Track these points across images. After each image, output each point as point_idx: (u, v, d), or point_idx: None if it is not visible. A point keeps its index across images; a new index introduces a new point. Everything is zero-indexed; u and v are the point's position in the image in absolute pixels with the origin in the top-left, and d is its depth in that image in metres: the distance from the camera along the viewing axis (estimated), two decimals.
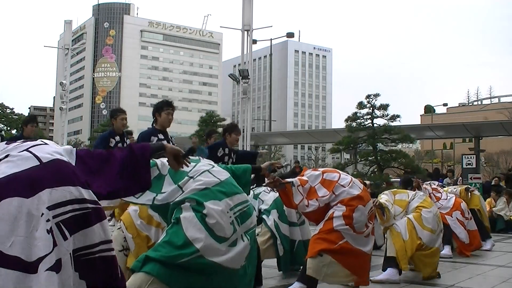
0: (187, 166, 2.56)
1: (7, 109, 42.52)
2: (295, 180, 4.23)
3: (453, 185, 16.94)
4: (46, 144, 1.98)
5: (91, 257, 1.87)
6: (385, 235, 5.49)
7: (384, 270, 5.24)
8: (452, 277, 5.39)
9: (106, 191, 2.08)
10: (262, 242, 4.87)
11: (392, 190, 5.94)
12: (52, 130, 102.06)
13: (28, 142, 1.96)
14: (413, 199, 5.55)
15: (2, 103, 42.26)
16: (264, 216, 4.99)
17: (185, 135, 44.33)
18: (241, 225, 2.89)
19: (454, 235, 7.15)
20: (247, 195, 3.95)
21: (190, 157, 3.12)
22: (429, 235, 5.28)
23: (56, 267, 1.74)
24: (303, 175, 4.42)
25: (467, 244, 7.18)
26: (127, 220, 4.13)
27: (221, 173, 3.03)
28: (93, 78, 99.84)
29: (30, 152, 1.88)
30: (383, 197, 5.45)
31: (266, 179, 4.00)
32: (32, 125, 7.20)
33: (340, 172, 4.51)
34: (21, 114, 44.02)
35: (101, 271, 1.91)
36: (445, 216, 7.07)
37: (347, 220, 4.16)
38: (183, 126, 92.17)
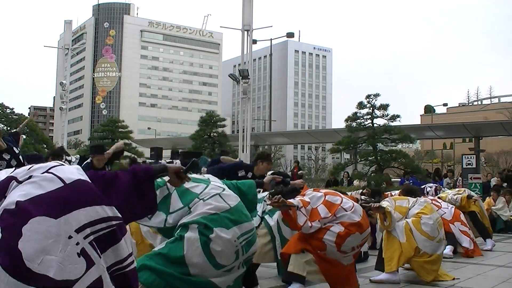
0: (188, 181, 2.55)
1: (7, 109, 42.47)
2: (298, 202, 4.22)
3: (453, 185, 16.99)
4: (62, 165, 2.00)
5: (123, 271, 1.93)
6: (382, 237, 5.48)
7: (376, 269, 5.25)
8: None
9: None
10: (262, 245, 4.80)
11: (393, 197, 5.90)
12: (52, 130, 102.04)
13: (47, 163, 1.97)
14: (414, 206, 5.50)
15: (2, 103, 42.20)
16: (266, 217, 4.95)
17: (185, 135, 44.35)
18: (245, 254, 2.91)
19: (458, 242, 7.18)
20: (255, 209, 4.00)
21: (199, 177, 3.14)
22: (425, 240, 5.20)
23: (98, 285, 1.77)
24: (304, 195, 4.42)
25: (471, 250, 7.18)
26: (134, 226, 4.11)
27: (231, 198, 3.01)
28: (93, 78, 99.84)
29: (52, 173, 1.89)
30: (385, 204, 5.41)
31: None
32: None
33: (342, 196, 4.51)
34: (21, 114, 44.00)
35: (131, 283, 1.97)
36: (449, 224, 7.11)
37: (339, 239, 4.19)
38: (183, 126, 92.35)
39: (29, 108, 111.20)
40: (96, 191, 1.93)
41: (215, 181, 3.12)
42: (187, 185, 2.91)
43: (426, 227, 5.24)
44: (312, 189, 4.65)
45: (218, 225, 2.80)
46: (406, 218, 5.40)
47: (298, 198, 4.33)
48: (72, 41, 36.12)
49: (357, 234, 4.25)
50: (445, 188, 8.84)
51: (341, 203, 4.35)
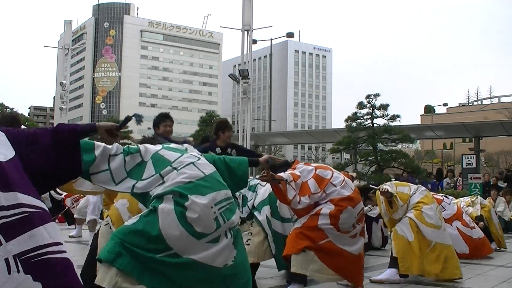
0: (119, 137, 2.47)
1: (7, 109, 42.51)
2: (288, 175, 4.14)
3: (453, 185, 17.00)
4: None
5: (42, 258, 1.87)
6: (390, 237, 5.46)
7: (390, 267, 5.19)
8: None
9: (38, 177, 2.05)
10: (259, 243, 4.70)
11: (394, 182, 5.77)
12: None
13: None
14: (415, 193, 5.41)
15: (2, 103, 42.24)
16: (255, 213, 4.79)
17: (185, 135, 44.31)
18: (227, 221, 2.77)
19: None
20: (245, 187, 3.83)
21: (176, 146, 3.08)
22: (433, 231, 5.16)
23: None
24: (295, 168, 4.34)
25: (471, 252, 6.92)
26: (115, 215, 4.03)
27: (206, 167, 2.91)
28: (93, 78, 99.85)
29: None
30: (386, 187, 5.32)
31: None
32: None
33: (333, 170, 4.43)
34: (21, 114, 44.03)
35: (57, 273, 1.91)
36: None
37: (333, 219, 4.10)
38: (183, 126, 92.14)
39: (29, 108, 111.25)
40: (6, 176, 1.90)
41: (192, 151, 3.03)
42: (161, 152, 2.86)
43: (430, 219, 5.20)
44: (303, 162, 4.56)
45: (193, 193, 2.69)
46: (407, 206, 5.31)
47: (288, 171, 4.23)
48: (72, 41, 36.15)
49: (349, 208, 4.16)
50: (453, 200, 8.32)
51: (331, 177, 4.26)
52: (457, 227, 7.00)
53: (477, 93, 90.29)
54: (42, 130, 2.24)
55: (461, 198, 8.79)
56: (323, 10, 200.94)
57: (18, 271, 1.81)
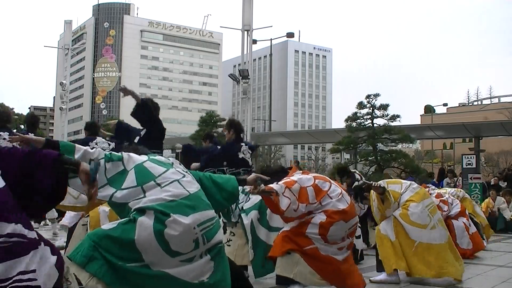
0: (95, 189, 2.39)
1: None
2: (281, 186, 4.03)
3: (453, 185, 16.99)
4: None
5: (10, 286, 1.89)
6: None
7: (378, 271, 5.20)
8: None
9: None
10: (240, 246, 4.63)
11: (386, 180, 5.64)
12: (52, 130, 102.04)
13: None
14: (405, 192, 5.29)
15: (2, 103, 42.22)
16: (242, 215, 4.69)
17: (185, 135, 44.35)
18: (206, 243, 2.71)
19: (457, 244, 6.99)
20: (236, 201, 3.78)
21: (163, 160, 2.95)
22: (419, 230, 5.04)
23: None
24: (292, 175, 4.27)
25: (469, 249, 6.97)
26: (94, 219, 4.01)
27: (191, 185, 2.84)
28: (93, 78, 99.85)
29: None
30: (379, 183, 5.26)
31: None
32: None
33: (332, 182, 4.35)
34: (21, 114, 44.04)
35: None
36: (452, 220, 6.94)
37: (322, 230, 4.04)
38: (183, 126, 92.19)
39: (29, 108, 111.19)
40: None
41: (178, 167, 2.96)
42: (146, 164, 2.79)
43: (414, 217, 5.06)
44: (301, 171, 4.47)
45: (175, 212, 2.63)
46: (398, 205, 5.21)
47: (282, 181, 4.13)
48: (72, 41, 36.14)
49: (341, 222, 4.09)
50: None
51: (328, 189, 4.20)
52: (463, 222, 7.04)
53: (477, 93, 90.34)
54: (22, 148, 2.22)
55: (448, 189, 8.66)
56: (323, 10, 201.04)
57: None
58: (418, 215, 5.09)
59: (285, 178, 4.21)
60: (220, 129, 26.43)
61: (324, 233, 4.04)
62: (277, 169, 4.50)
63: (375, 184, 5.24)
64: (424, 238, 5.05)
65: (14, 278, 1.88)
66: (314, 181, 4.21)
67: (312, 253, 4.08)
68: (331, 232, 4.05)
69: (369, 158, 18.99)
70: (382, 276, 5.10)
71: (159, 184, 2.72)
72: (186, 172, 2.96)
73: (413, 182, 5.66)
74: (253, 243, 4.60)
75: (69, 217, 7.56)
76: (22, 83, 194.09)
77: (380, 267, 5.16)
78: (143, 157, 2.88)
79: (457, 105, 78.38)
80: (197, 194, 2.83)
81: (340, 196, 4.19)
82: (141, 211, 2.62)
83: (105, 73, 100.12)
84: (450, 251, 5.24)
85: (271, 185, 3.97)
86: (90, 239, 2.61)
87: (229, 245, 4.51)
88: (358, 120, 19.22)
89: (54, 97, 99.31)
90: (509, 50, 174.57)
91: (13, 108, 43.34)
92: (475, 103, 79.42)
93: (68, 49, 24.22)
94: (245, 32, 16.97)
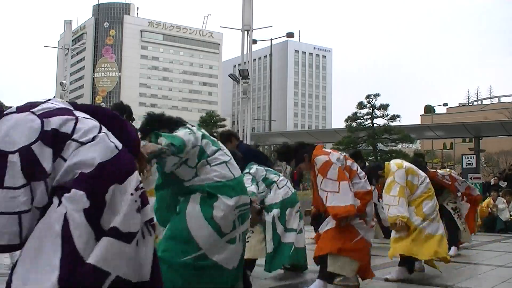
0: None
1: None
2: (351, 199, 4.02)
3: None
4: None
5: None
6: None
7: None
8: (452, 277, 5.37)
9: None
10: (257, 241, 4.73)
11: (407, 168, 5.27)
12: None
13: None
14: (421, 184, 5.20)
15: (2, 103, 42.21)
16: (264, 212, 4.78)
17: None
18: (240, 225, 2.91)
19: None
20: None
21: (214, 139, 3.12)
22: (420, 220, 5.06)
23: None
24: (326, 153, 4.21)
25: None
26: None
27: (235, 168, 3.02)
28: (93, 78, 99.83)
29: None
30: (397, 178, 5.07)
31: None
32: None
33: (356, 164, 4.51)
34: None
35: None
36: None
37: (361, 213, 4.15)
38: None
39: None
40: None
41: (224, 149, 3.10)
42: (203, 143, 2.92)
43: (425, 209, 5.09)
44: (330, 150, 4.48)
45: (222, 193, 2.81)
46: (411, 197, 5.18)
47: (334, 180, 4.04)
48: (72, 41, 36.16)
49: (371, 201, 4.30)
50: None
51: (357, 169, 4.33)
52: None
53: (477, 93, 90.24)
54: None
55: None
56: (323, 10, 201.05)
57: None
58: (427, 208, 5.10)
59: (329, 170, 4.11)
60: (220, 129, 26.44)
61: (364, 216, 4.18)
62: (296, 147, 4.42)
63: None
64: (430, 229, 5.09)
65: None
66: (346, 161, 4.30)
67: (360, 245, 4.16)
68: (368, 213, 4.22)
69: (369, 158, 18.99)
70: (394, 274, 5.08)
71: (209, 163, 2.88)
72: (231, 156, 3.11)
73: (426, 177, 5.47)
74: (273, 237, 4.73)
75: None
76: (22, 83, 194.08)
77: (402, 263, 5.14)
78: (199, 133, 3.01)
79: (457, 105, 78.30)
80: (240, 179, 3.02)
81: (365, 177, 4.35)
82: (188, 195, 2.81)
83: (105, 73, 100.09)
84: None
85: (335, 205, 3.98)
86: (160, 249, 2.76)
87: (248, 241, 4.54)
88: (358, 120, 19.25)
89: (54, 97, 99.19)
90: (509, 50, 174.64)
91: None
92: (475, 103, 79.36)
93: (68, 49, 24.23)
94: (245, 32, 16.98)
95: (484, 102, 76.55)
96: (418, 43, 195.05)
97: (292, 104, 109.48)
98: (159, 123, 3.00)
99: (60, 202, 1.61)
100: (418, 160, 6.55)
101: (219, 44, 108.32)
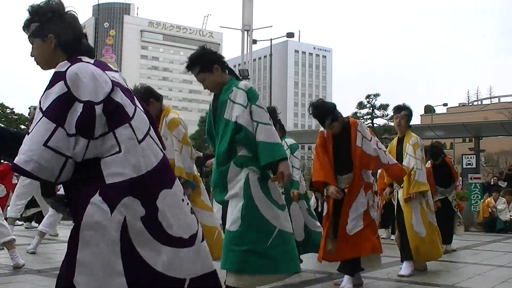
0: None
1: (7, 109, 42.42)
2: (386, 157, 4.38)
3: None
4: None
5: None
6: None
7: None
8: (452, 277, 5.37)
9: None
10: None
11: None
12: None
13: None
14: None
15: (2, 103, 42.13)
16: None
17: None
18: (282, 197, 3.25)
19: None
20: None
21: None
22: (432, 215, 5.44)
23: None
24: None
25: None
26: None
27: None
28: None
29: None
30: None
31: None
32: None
33: None
34: (21, 114, 44.05)
35: None
36: None
37: (374, 204, 4.44)
38: None
39: (29, 108, 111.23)
40: None
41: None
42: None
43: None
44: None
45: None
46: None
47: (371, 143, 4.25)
48: None
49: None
50: None
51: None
52: None
53: (477, 93, 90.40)
54: None
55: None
56: (323, 10, 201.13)
57: None
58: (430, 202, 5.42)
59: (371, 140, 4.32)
60: None
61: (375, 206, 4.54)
62: (333, 105, 4.25)
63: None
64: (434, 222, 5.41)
65: None
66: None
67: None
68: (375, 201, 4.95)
69: None
70: (404, 270, 5.12)
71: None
72: None
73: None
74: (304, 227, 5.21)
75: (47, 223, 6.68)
76: (22, 83, 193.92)
77: (406, 256, 5.21)
78: None
79: (457, 105, 78.33)
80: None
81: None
82: (245, 176, 3.01)
83: None
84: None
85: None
86: (231, 246, 2.99)
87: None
88: None
89: None
90: (509, 50, 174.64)
91: (13, 108, 43.27)
92: (475, 103, 79.39)
93: None
94: (245, 32, 16.99)
95: (484, 102, 76.60)
96: (418, 43, 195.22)
97: (292, 104, 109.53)
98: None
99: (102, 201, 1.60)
100: (435, 145, 6.68)
101: (219, 44, 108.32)
